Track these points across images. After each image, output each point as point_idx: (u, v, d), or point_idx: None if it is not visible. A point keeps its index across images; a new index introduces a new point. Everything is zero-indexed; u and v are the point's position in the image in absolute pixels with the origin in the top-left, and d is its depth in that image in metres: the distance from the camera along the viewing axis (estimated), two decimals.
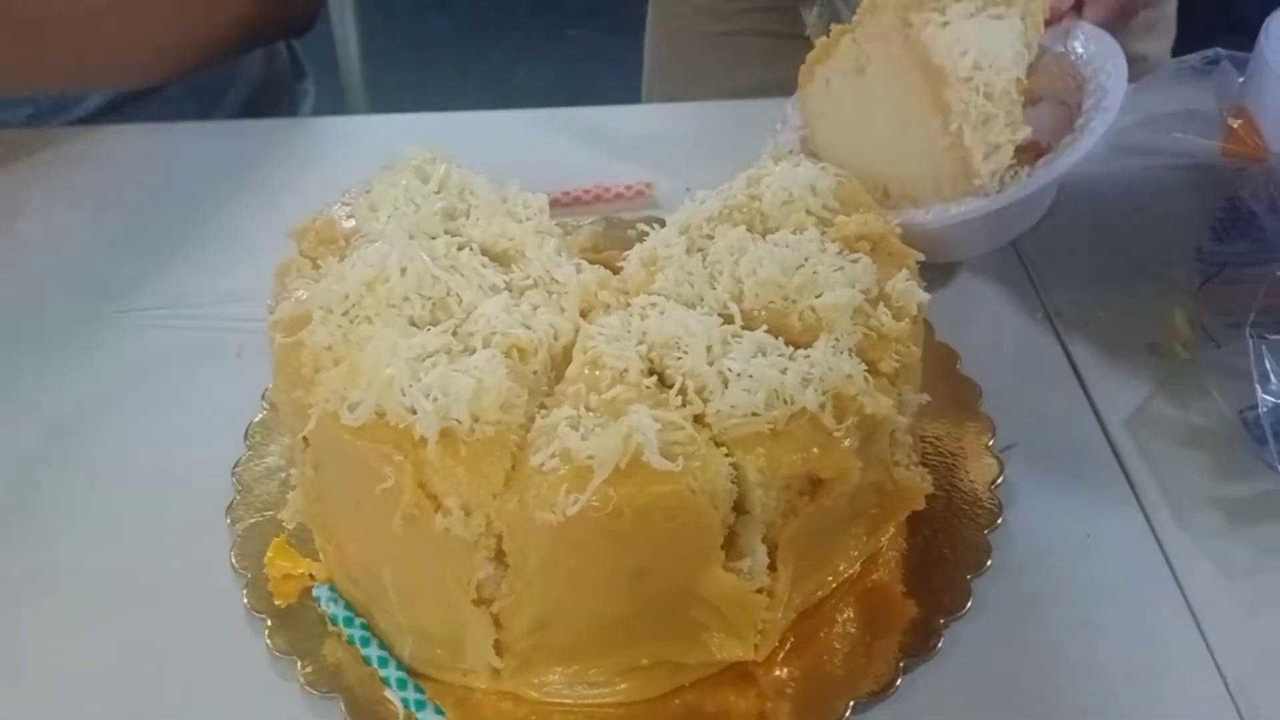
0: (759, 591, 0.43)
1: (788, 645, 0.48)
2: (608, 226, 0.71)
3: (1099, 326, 0.65)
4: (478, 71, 2.25)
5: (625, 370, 0.45)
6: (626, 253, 0.54)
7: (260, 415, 0.59)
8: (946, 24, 0.60)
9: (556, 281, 0.50)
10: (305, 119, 1.06)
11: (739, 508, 0.43)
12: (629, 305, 0.49)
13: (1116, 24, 0.66)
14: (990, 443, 0.57)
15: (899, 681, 0.46)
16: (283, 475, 0.56)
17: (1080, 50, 0.65)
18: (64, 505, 0.57)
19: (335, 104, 1.21)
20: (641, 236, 0.54)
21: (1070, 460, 0.58)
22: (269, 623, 0.49)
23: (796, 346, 0.46)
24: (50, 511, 0.57)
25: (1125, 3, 0.66)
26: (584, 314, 0.49)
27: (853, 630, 0.49)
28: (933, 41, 0.59)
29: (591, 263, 0.57)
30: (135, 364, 0.65)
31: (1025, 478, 0.56)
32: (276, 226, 0.70)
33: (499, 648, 0.44)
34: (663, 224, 0.68)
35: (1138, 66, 0.65)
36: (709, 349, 0.45)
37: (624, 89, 1.10)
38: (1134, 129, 0.74)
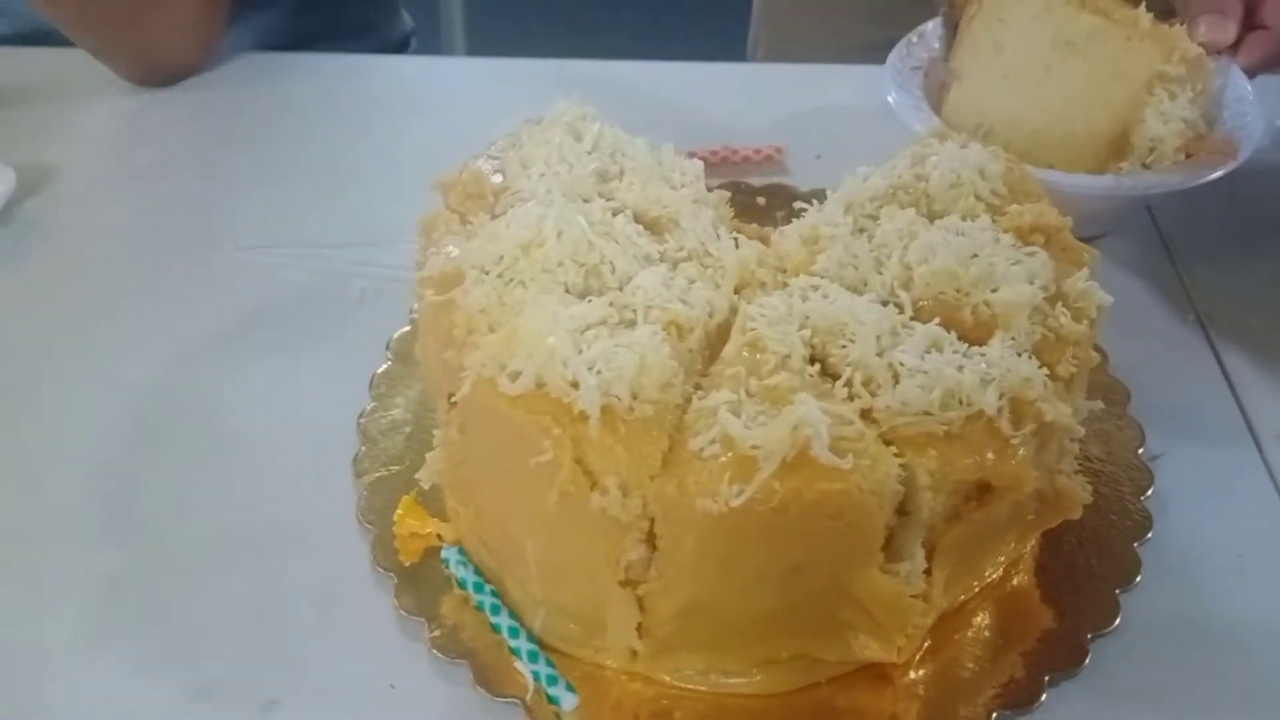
0: (914, 596, 0.42)
1: (924, 646, 0.47)
2: (735, 192, 0.68)
3: (1254, 332, 0.62)
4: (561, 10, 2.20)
5: (788, 356, 0.43)
6: (779, 230, 0.51)
7: (385, 366, 0.58)
8: None
9: (712, 255, 0.48)
10: (412, 57, 1.05)
11: (901, 509, 0.41)
12: (787, 285, 0.47)
13: (1265, 70, 0.64)
14: (1140, 450, 0.54)
15: (1044, 696, 0.45)
16: (408, 430, 0.55)
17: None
18: (184, 447, 0.57)
19: (429, 42, 1.18)
20: (771, 211, 0.52)
21: (1221, 473, 0.55)
22: (395, 581, 0.49)
23: (968, 342, 0.43)
24: (170, 453, 0.56)
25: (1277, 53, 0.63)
26: (739, 291, 0.48)
27: (988, 635, 0.48)
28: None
29: None
30: (256, 303, 0.65)
31: (1175, 489, 0.53)
32: (389, 167, 0.69)
33: (641, 630, 0.43)
34: (792, 192, 0.67)
35: None
36: (879, 339, 0.43)
37: (722, 41, 1.06)
38: None
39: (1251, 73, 0.64)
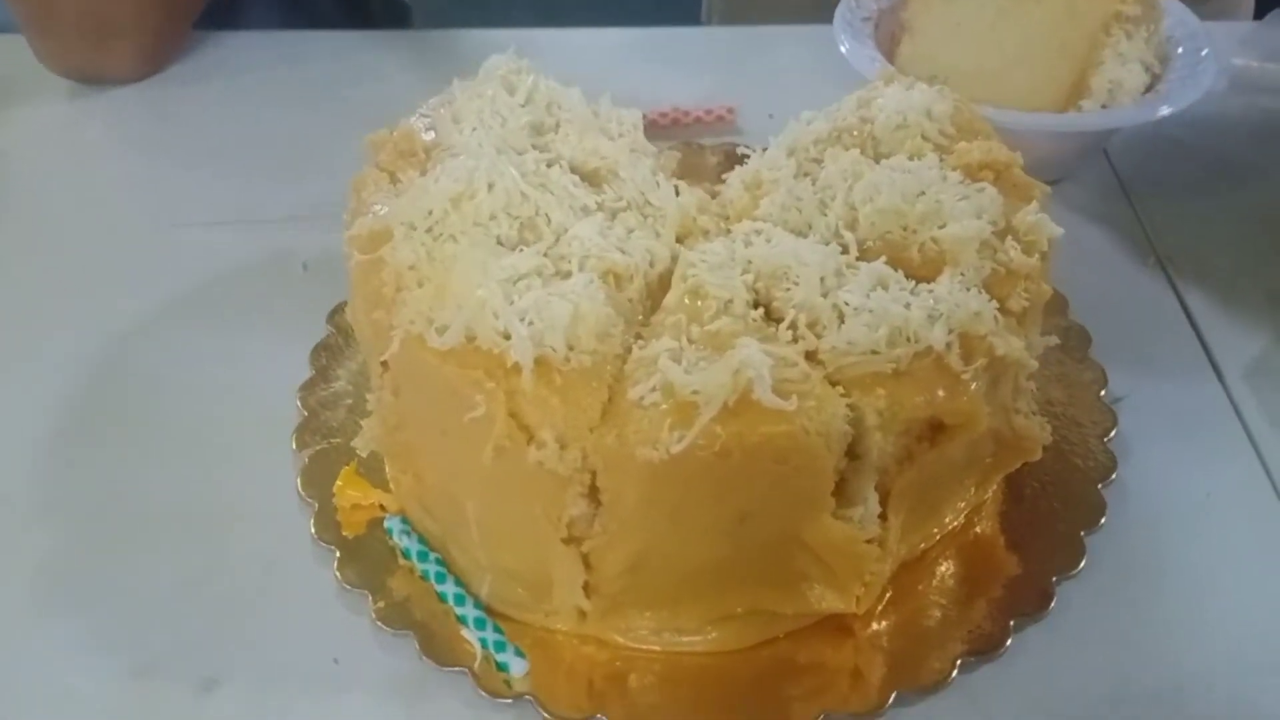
0: (869, 542, 0.40)
1: (885, 598, 0.45)
2: (686, 153, 0.67)
3: (1215, 274, 0.61)
4: None
5: (730, 301, 0.41)
6: (725, 175, 0.50)
7: (326, 337, 0.57)
8: None
9: (652, 204, 0.46)
10: (365, 33, 1.02)
11: (851, 452, 0.40)
12: (730, 232, 0.46)
13: None
14: (1102, 393, 0.53)
15: (1009, 641, 0.44)
16: (350, 402, 0.53)
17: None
18: (124, 424, 0.55)
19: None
20: (728, 164, 0.51)
21: (1187, 414, 0.54)
22: (337, 554, 0.47)
23: (916, 280, 0.42)
24: (112, 430, 0.55)
25: None
26: (682, 240, 0.46)
27: (953, 584, 0.47)
28: None
29: None
30: (196, 280, 0.63)
31: (1139, 431, 0.52)
32: (343, 141, 0.67)
33: (588, 589, 0.41)
34: (744, 153, 0.65)
35: None
36: (823, 280, 0.41)
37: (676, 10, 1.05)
38: (1253, 66, 0.69)
39: None
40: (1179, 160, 0.69)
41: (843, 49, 0.64)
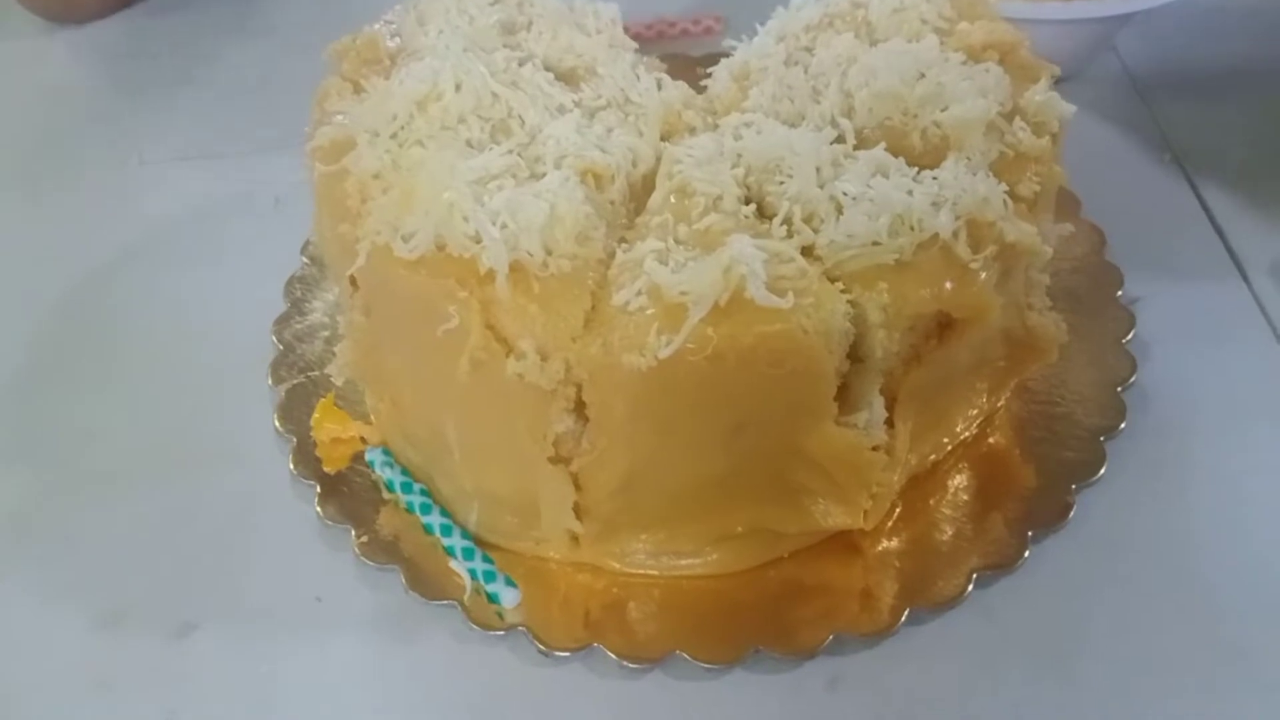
0: (875, 449, 0.38)
1: (895, 514, 0.43)
2: (673, 65, 0.63)
3: (1233, 167, 0.58)
4: None
5: (719, 197, 0.38)
6: (711, 69, 0.47)
7: (300, 269, 0.54)
8: None
9: (633, 102, 0.43)
10: None
11: (854, 354, 0.37)
12: (718, 126, 0.43)
13: None
14: (1119, 294, 0.50)
15: (1027, 553, 0.41)
16: (326, 334, 0.51)
17: None
18: (95, 364, 0.53)
19: None
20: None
21: (1209, 313, 0.51)
22: (318, 489, 0.45)
23: (920, 169, 0.39)
24: (80, 370, 0.53)
25: None
26: (666, 137, 0.43)
27: (967, 498, 0.44)
28: None
29: None
30: (164, 216, 0.60)
31: (1159, 332, 0.49)
32: (305, 68, 0.64)
33: (579, 511, 0.39)
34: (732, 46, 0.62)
35: None
36: (818, 171, 0.38)
37: None
38: None
39: None
40: (1193, 59, 0.65)
41: None
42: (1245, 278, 0.52)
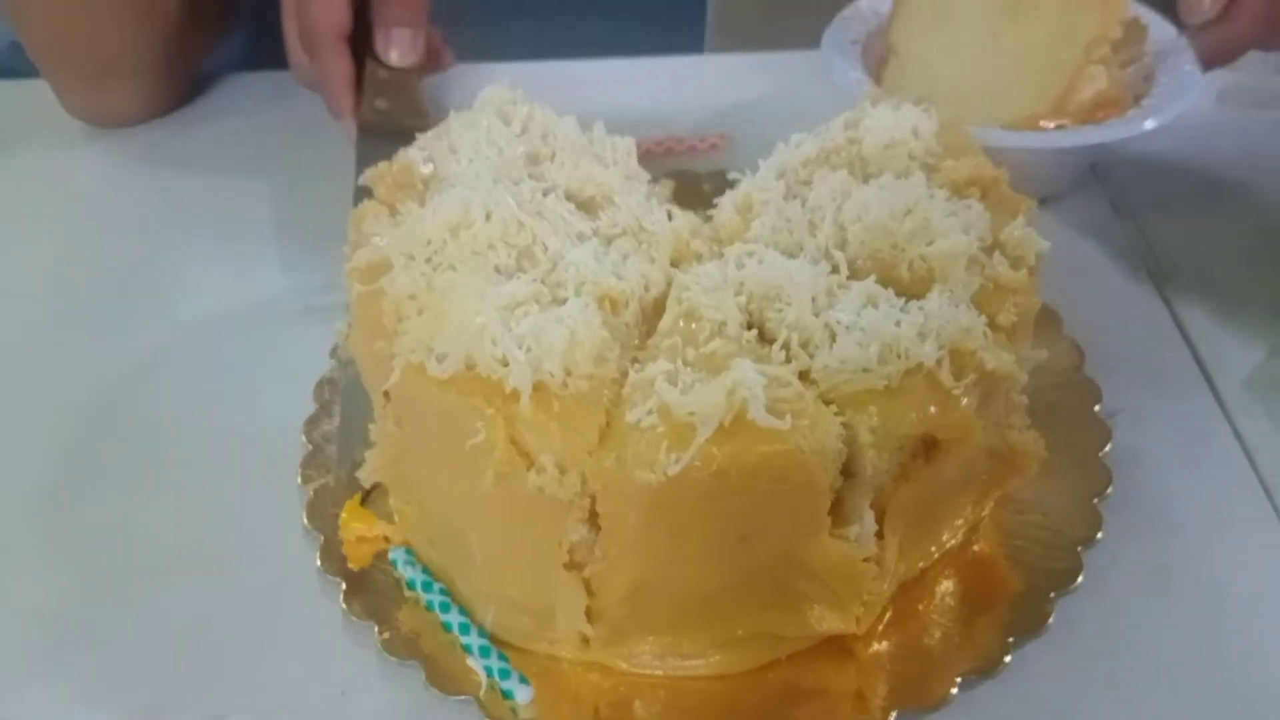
0: (866, 560, 0.40)
1: (886, 618, 0.45)
2: (679, 181, 0.67)
3: (1208, 289, 0.61)
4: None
5: (724, 323, 0.42)
6: (716, 200, 0.51)
7: (329, 371, 0.57)
8: None
9: (646, 229, 0.47)
10: None
11: (847, 471, 0.40)
12: (723, 255, 0.46)
13: (1214, 63, 0.64)
14: (1097, 408, 0.53)
15: (1008, 659, 0.44)
16: None
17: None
18: (129, 464, 0.55)
19: None
20: (721, 190, 0.51)
21: (1182, 428, 0.54)
22: (343, 586, 0.47)
23: (906, 298, 0.43)
24: (116, 470, 0.55)
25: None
26: (675, 264, 0.47)
27: (953, 604, 0.47)
28: None
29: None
30: (197, 321, 0.63)
31: (1134, 446, 0.52)
32: (342, 179, 0.68)
33: (590, 615, 0.42)
34: (735, 178, 0.66)
35: None
36: (814, 300, 0.42)
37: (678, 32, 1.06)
38: (1246, 78, 0.70)
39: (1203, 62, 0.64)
40: (1170, 176, 0.69)
41: (830, 72, 0.65)
42: (1216, 393, 0.56)
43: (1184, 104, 0.61)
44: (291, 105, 0.80)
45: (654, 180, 0.58)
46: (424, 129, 0.52)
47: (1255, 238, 0.64)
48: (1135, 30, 0.64)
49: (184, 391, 0.59)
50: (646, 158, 0.72)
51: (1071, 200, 0.68)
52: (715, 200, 0.50)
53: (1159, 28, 0.65)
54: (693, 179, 0.69)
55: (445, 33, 0.79)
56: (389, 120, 0.68)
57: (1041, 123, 0.63)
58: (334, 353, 0.58)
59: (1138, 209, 0.67)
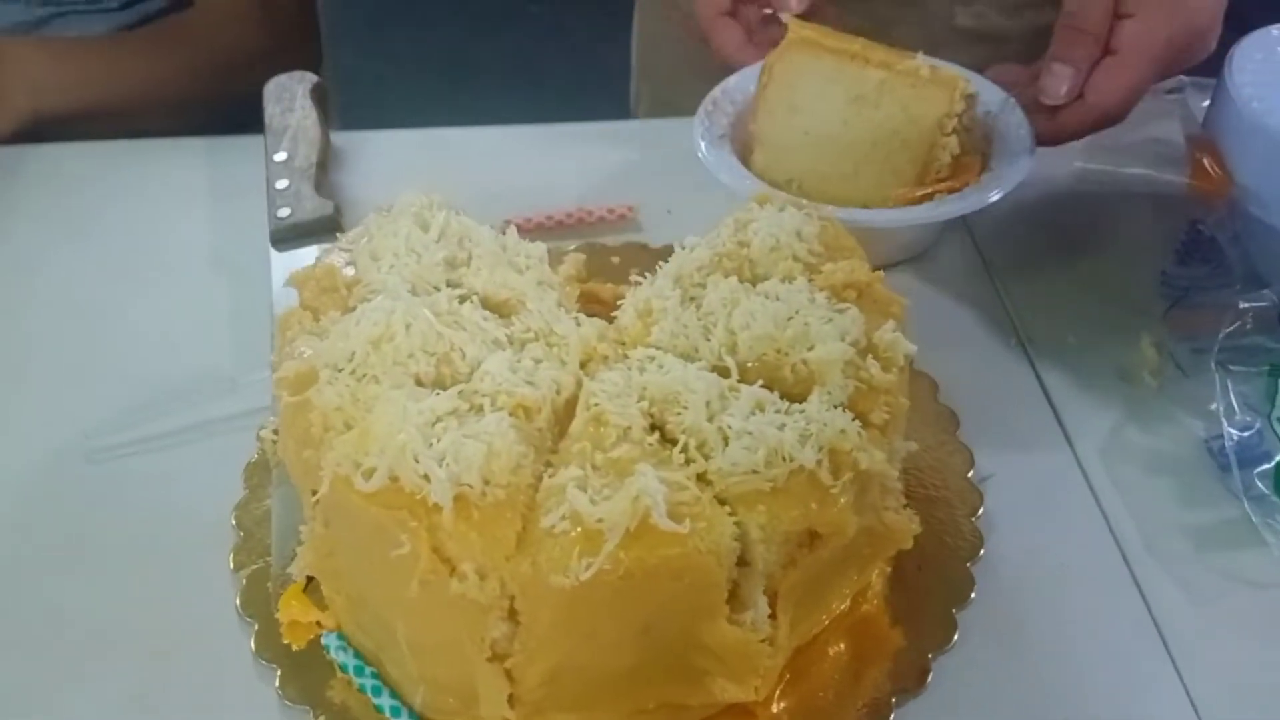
0: (761, 641, 0.45)
1: (783, 680, 0.50)
2: (590, 254, 0.71)
3: (1069, 353, 0.67)
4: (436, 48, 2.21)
5: (629, 428, 0.46)
6: (621, 291, 0.55)
7: (256, 456, 0.60)
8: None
9: (556, 334, 0.51)
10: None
11: (741, 560, 0.45)
12: (627, 357, 0.51)
13: (1060, 139, 0.70)
14: (970, 474, 0.59)
15: (891, 717, 0.49)
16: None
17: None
18: (61, 546, 0.57)
19: None
20: (625, 269, 0.56)
21: (1045, 489, 0.60)
22: (279, 671, 0.50)
23: (790, 399, 0.47)
24: (47, 553, 0.57)
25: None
26: (584, 365, 0.51)
27: (844, 663, 0.52)
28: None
29: (580, 293, 0.59)
30: (124, 400, 0.65)
31: (1004, 507, 0.58)
32: (257, 247, 0.70)
33: (511, 700, 0.45)
34: (645, 251, 0.71)
35: None
36: (709, 404, 0.46)
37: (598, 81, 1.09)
38: (1100, 156, 0.76)
39: (1047, 139, 0.69)
40: (1034, 233, 0.75)
41: (716, 173, 0.69)
42: (1076, 455, 0.62)
43: (1022, 173, 0.67)
44: (204, 172, 0.82)
45: (563, 254, 0.62)
46: None
47: (1106, 297, 0.70)
48: (971, 98, 0.69)
49: (114, 473, 0.61)
50: (558, 229, 0.77)
51: (946, 259, 0.74)
52: (619, 303, 0.54)
53: (987, 90, 0.71)
54: (602, 251, 0.73)
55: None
56: None
57: (907, 194, 0.68)
58: (259, 435, 0.61)
59: (1006, 268, 0.73)
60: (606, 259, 0.73)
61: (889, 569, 0.54)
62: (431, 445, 0.43)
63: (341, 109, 1.12)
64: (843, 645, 0.52)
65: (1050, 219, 0.76)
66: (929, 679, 0.50)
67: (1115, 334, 0.68)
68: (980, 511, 0.57)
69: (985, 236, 0.75)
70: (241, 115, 0.83)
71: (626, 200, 0.78)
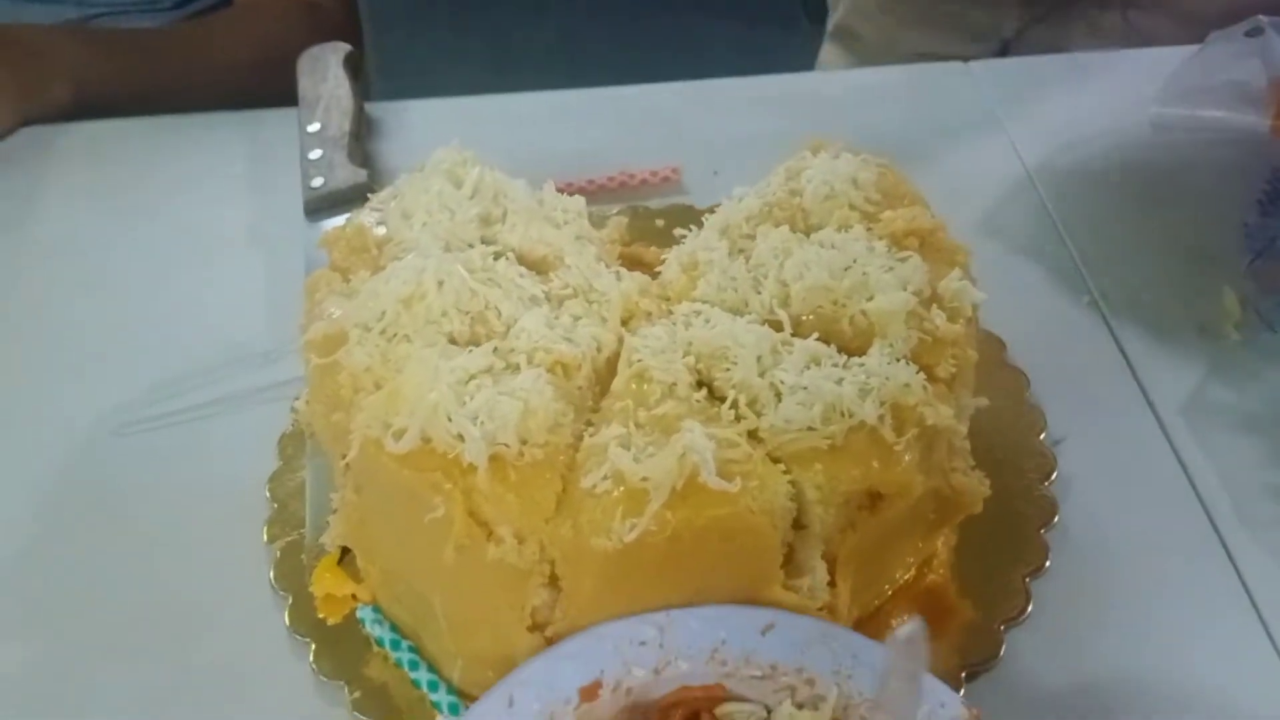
0: (820, 609, 0.42)
1: None
2: (633, 217, 0.68)
3: (1147, 310, 0.63)
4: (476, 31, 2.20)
5: (674, 384, 0.43)
6: (664, 255, 0.52)
7: (290, 427, 0.58)
8: None
9: (596, 290, 0.48)
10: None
11: (797, 523, 0.42)
12: (671, 313, 0.48)
13: None
14: (1042, 436, 0.55)
15: (961, 693, 0.45)
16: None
17: None
18: (97, 526, 0.56)
19: None
20: (670, 232, 0.53)
21: (1124, 452, 0.56)
22: (313, 646, 0.48)
23: (848, 353, 0.44)
24: (76, 539, 0.55)
25: None
26: (625, 323, 0.48)
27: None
28: None
29: (622, 256, 0.56)
30: (156, 375, 0.64)
31: (1079, 472, 0.54)
32: (294, 223, 0.69)
33: None
34: (690, 212, 0.67)
35: None
36: (759, 359, 0.43)
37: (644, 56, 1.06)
38: (1176, 102, 0.72)
39: None
40: (1109, 198, 0.71)
41: None
42: (1157, 416, 0.58)
43: None
44: (245, 147, 0.81)
45: (605, 217, 0.59)
46: None
47: (1185, 257, 0.66)
48: None
49: (148, 446, 0.60)
50: (601, 192, 0.74)
51: (1016, 223, 0.70)
52: (677, 241, 0.51)
53: None
54: (646, 214, 0.70)
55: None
56: None
57: None
58: (293, 406, 0.59)
59: (1080, 230, 0.69)
60: (650, 222, 0.70)
61: (955, 538, 0.51)
62: (465, 404, 0.41)
63: (382, 89, 1.10)
64: (908, 617, 0.49)
65: (1123, 169, 0.72)
66: (1002, 652, 0.47)
67: (1194, 289, 0.64)
68: (1054, 476, 0.53)
69: (1052, 188, 0.71)
70: (283, 106, 0.82)
71: (671, 163, 0.75)
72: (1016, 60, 0.90)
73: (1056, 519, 0.52)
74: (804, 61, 1.12)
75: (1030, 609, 0.48)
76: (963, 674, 0.46)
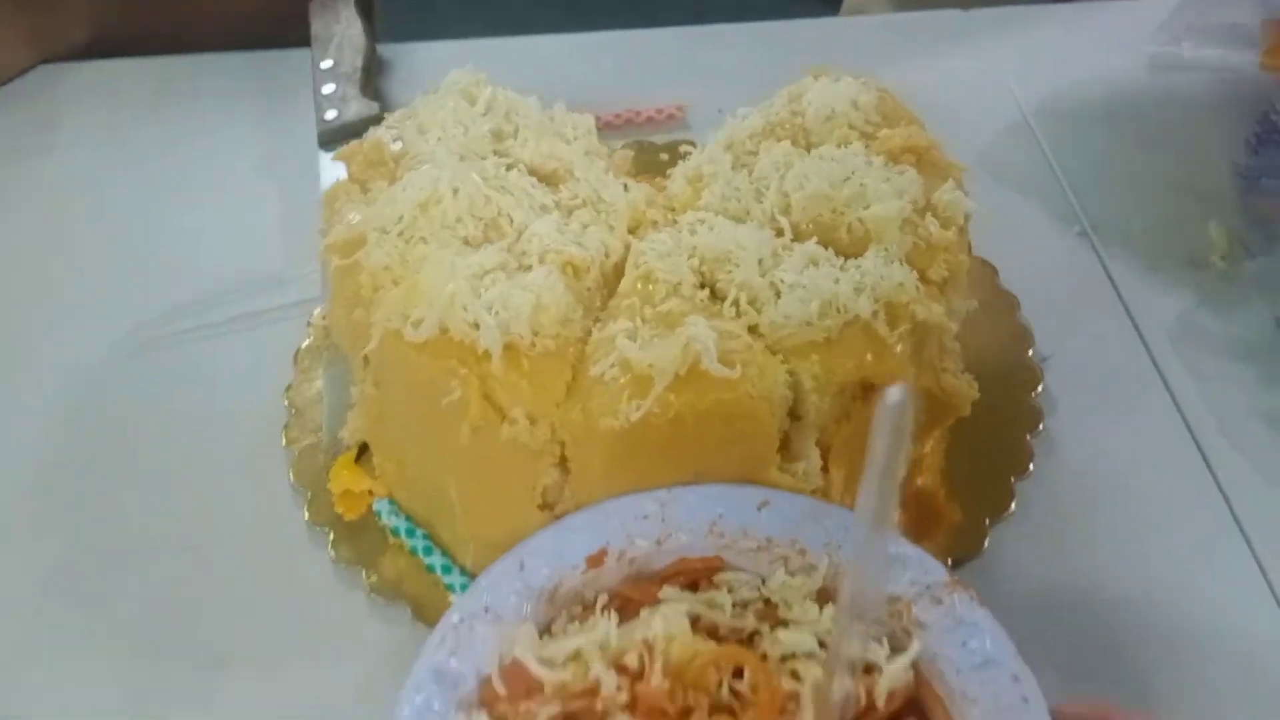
0: (813, 492, 0.44)
1: None
2: (639, 151, 0.70)
3: (1135, 240, 0.65)
4: None
5: (679, 284, 0.45)
6: (670, 170, 0.54)
7: (308, 341, 0.60)
8: None
9: (604, 200, 0.50)
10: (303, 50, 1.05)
11: (793, 414, 0.44)
12: (676, 222, 0.50)
13: None
14: (1030, 352, 0.57)
15: None
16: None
17: None
18: (123, 437, 0.58)
19: None
20: (676, 159, 0.55)
21: (1110, 372, 0.58)
22: (331, 535, 0.51)
23: (846, 258, 0.46)
24: (105, 442, 0.57)
25: None
26: (633, 232, 0.50)
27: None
28: None
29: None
30: (176, 296, 0.65)
31: (1066, 389, 0.57)
32: (309, 156, 0.70)
33: None
34: (695, 145, 0.69)
35: None
36: (761, 261, 0.45)
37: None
38: (1170, 40, 0.73)
39: None
40: (1103, 136, 0.73)
41: None
42: (1144, 340, 0.60)
43: None
44: (255, 85, 0.82)
45: (614, 150, 0.61)
46: None
47: (1177, 191, 0.68)
48: None
49: (166, 361, 0.61)
50: (606, 129, 0.76)
51: (1010, 158, 0.72)
52: (668, 172, 0.54)
53: None
54: (650, 149, 0.72)
55: None
56: None
57: None
58: (310, 321, 0.61)
59: (1072, 164, 0.71)
60: (655, 156, 0.71)
61: (945, 444, 0.53)
62: (480, 295, 0.43)
63: (391, 33, 1.12)
64: (898, 516, 0.51)
65: (1115, 106, 0.73)
66: (985, 545, 0.49)
67: (1183, 221, 0.65)
68: (1040, 389, 0.56)
69: (1046, 124, 0.73)
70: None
71: (676, 100, 0.77)
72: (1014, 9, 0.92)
73: (1042, 426, 0.54)
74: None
75: (1014, 507, 0.51)
76: (948, 562, 0.48)
